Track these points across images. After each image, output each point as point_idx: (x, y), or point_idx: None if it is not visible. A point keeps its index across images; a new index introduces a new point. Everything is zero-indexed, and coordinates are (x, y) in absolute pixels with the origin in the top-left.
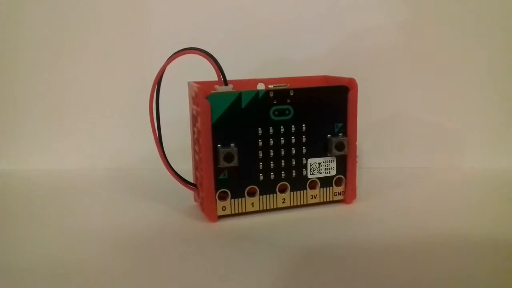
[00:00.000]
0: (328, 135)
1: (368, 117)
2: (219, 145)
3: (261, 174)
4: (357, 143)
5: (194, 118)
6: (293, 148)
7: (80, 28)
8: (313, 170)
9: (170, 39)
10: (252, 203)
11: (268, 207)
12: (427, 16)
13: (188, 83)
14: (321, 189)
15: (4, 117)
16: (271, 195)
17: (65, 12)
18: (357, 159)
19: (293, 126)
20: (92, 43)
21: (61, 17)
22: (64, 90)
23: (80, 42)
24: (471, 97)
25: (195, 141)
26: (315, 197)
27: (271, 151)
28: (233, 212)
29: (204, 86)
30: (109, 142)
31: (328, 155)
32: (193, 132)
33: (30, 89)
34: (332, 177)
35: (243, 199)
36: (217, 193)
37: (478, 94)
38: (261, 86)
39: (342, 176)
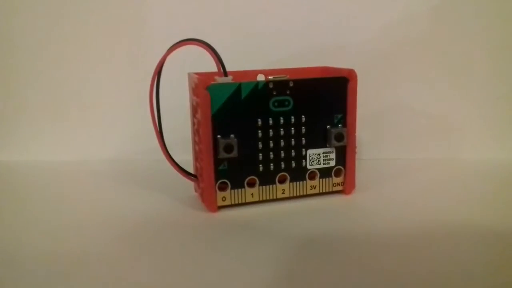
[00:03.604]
0: (328, 126)
1: (368, 108)
2: (219, 136)
3: (260, 165)
4: (356, 134)
5: (194, 109)
6: (292, 139)
7: (81, 20)
8: (313, 161)
9: (170, 30)
10: (252, 194)
11: (267, 198)
12: (425, 8)
13: (188, 74)
14: (321, 179)
15: (6, 108)
16: (271, 185)
17: (66, 3)
18: (356, 150)
19: (292, 117)
20: (92, 34)
21: (62, 7)
22: (65, 81)
23: (80, 33)
24: (471, 88)
25: (195, 132)
26: (314, 188)
27: (270, 142)
28: (233, 203)
29: (204, 77)
30: (109, 133)
31: (328, 146)
32: (193, 123)
33: (30, 79)
34: (332, 168)
35: (243, 189)
36: (217, 184)
37: (477, 85)
38: (260, 77)
39: (341, 167)
